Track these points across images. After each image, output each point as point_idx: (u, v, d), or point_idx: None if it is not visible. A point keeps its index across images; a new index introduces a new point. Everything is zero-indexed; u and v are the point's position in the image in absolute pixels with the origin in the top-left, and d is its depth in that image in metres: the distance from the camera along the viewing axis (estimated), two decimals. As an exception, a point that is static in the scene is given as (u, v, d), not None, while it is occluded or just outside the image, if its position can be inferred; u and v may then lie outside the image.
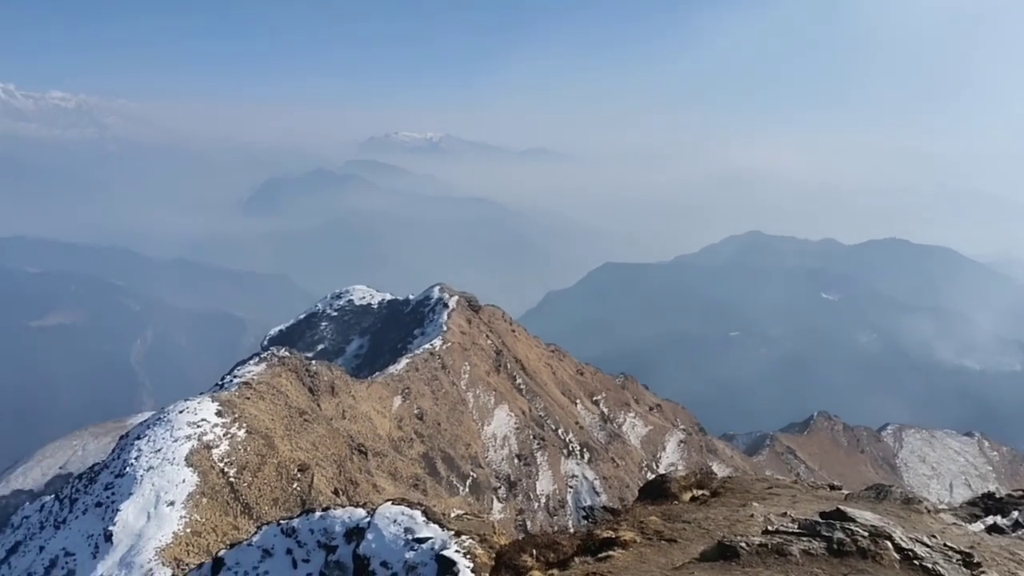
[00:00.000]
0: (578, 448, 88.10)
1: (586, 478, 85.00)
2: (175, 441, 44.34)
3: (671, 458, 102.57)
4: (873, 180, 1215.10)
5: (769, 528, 10.49)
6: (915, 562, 9.37)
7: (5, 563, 46.19)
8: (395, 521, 26.74)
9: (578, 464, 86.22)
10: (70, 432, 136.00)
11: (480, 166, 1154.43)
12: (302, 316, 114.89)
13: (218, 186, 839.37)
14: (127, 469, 42.98)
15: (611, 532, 11.00)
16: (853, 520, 10.08)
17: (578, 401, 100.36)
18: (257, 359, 62.56)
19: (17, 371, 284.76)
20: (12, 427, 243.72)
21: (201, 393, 53.91)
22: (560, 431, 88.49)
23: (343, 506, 32.08)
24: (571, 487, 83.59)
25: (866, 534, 9.76)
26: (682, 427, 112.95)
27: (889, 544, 9.60)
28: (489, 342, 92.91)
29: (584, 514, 14.45)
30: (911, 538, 9.81)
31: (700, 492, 13.69)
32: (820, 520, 10.25)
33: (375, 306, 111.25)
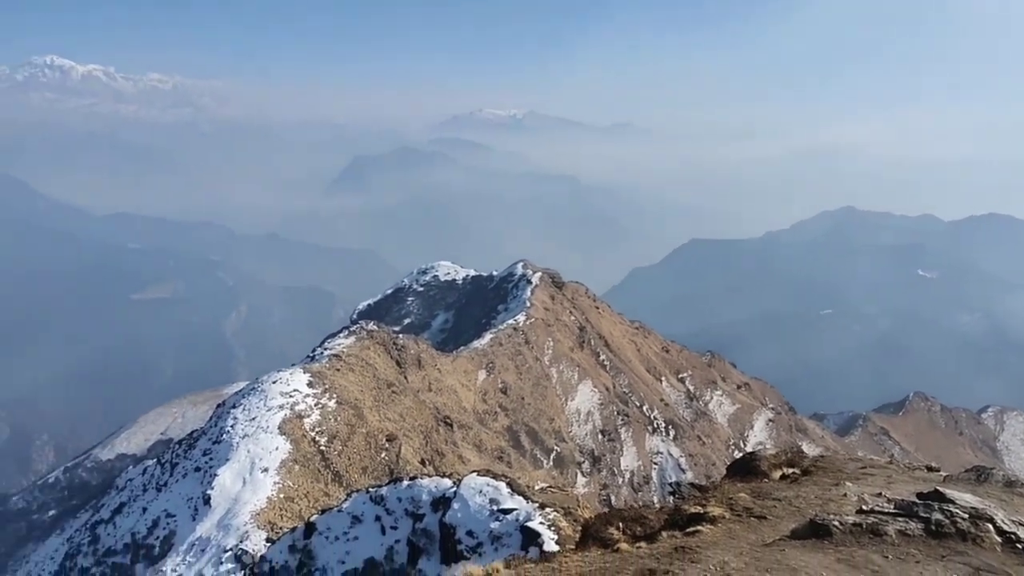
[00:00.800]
0: (663, 425, 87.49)
1: (671, 455, 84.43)
2: (269, 410, 45.72)
3: (759, 437, 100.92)
4: (975, 154, 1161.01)
5: (863, 508, 10.23)
6: (1018, 545, 9.03)
7: (111, 523, 48.53)
8: (480, 492, 27.15)
9: (663, 441, 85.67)
10: (170, 400, 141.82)
11: (564, 142, 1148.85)
12: (389, 291, 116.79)
13: (308, 164, 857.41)
14: (224, 436, 44.56)
15: (699, 508, 10.90)
16: (952, 502, 9.74)
17: (663, 378, 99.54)
18: (346, 332, 63.95)
19: (120, 341, 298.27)
20: (116, 394, 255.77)
21: (293, 364, 55.43)
22: (644, 408, 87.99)
23: (429, 476, 32.72)
24: (656, 464, 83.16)
25: (966, 516, 9.43)
26: (771, 406, 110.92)
27: (990, 527, 9.27)
28: (572, 318, 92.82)
29: (671, 490, 14.34)
30: (1014, 521, 9.45)
31: (791, 470, 13.43)
32: (917, 501, 9.94)
33: (460, 282, 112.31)
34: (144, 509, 45.98)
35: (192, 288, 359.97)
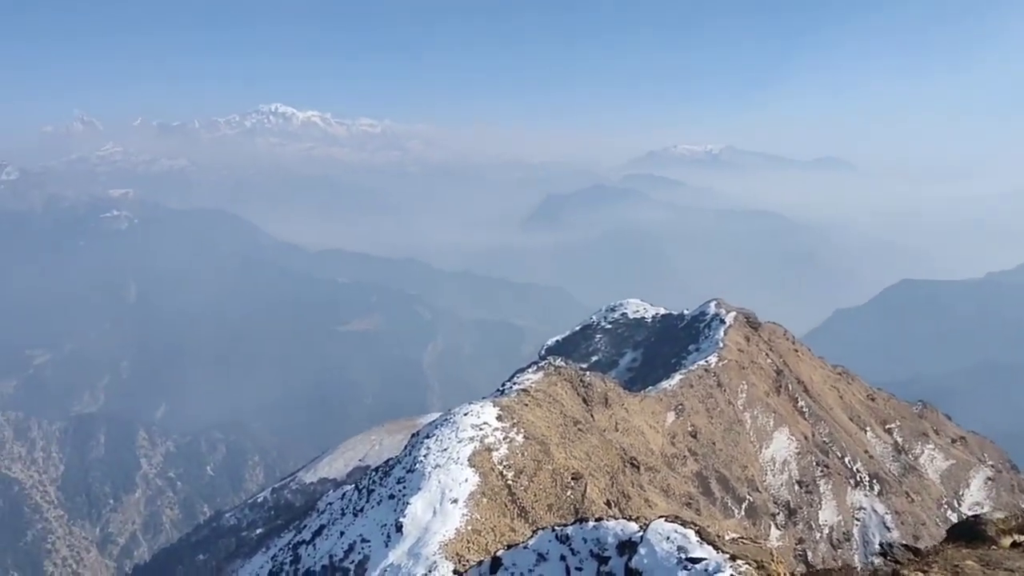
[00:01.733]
0: (867, 478, 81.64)
1: (875, 511, 78.52)
2: (459, 442, 46.55)
3: (976, 496, 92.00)
4: None
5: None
6: None
7: (311, 544, 50.99)
8: (668, 538, 26.15)
9: (866, 496, 79.89)
10: (369, 427, 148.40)
11: (763, 178, 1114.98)
12: (577, 328, 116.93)
13: (503, 203, 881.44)
14: (417, 465, 45.74)
15: (920, 574, 9.84)
16: None
17: (868, 428, 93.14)
18: (535, 367, 64.38)
19: (325, 370, 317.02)
20: (321, 420, 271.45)
21: (483, 397, 56.30)
22: (847, 459, 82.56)
23: (615, 518, 31.99)
24: (858, 520, 77.58)
25: None
26: (990, 463, 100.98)
27: None
28: (769, 361, 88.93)
29: (881, 551, 13.09)
30: None
31: (1022, 538, 11.94)
32: None
33: (649, 320, 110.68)
34: (342, 533, 47.92)
35: (393, 321, 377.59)
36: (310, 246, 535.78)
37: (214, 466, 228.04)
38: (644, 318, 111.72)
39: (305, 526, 57.58)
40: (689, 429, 71.78)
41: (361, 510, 48.52)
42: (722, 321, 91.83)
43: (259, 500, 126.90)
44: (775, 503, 73.05)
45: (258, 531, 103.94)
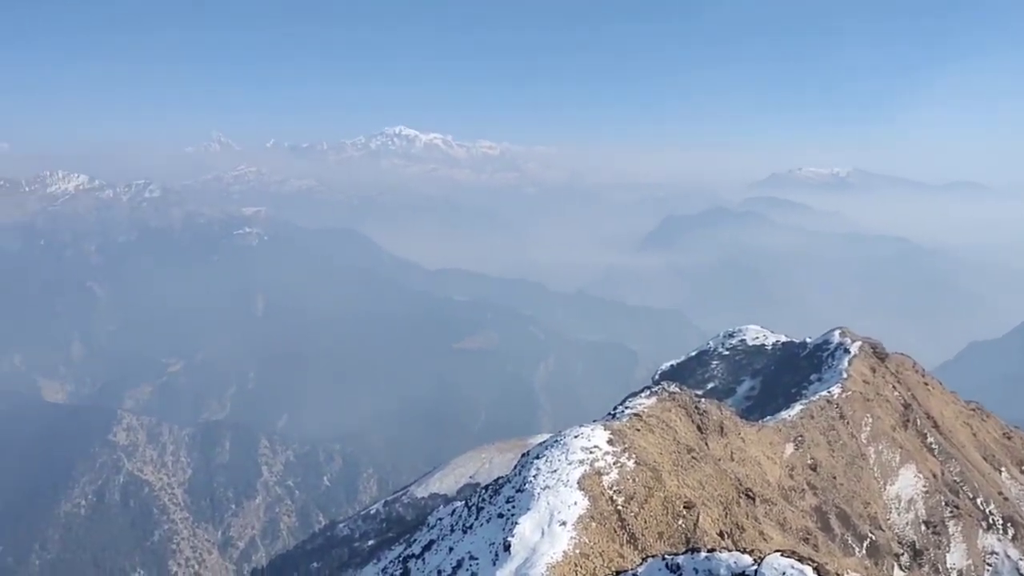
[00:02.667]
0: (1000, 521, 76.50)
1: (1009, 557, 73.38)
2: (569, 464, 46.12)
3: None
4: None
5: None
6: None
7: (420, 558, 51.53)
8: (784, 573, 25.15)
9: (999, 540, 74.80)
10: (480, 445, 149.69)
11: (893, 201, 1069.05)
12: (693, 353, 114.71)
13: (619, 224, 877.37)
14: (526, 485, 45.54)
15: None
16: None
17: (1003, 469, 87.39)
18: (648, 392, 63.32)
19: (440, 386, 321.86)
20: (433, 435, 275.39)
21: (594, 420, 55.73)
22: (979, 500, 77.63)
23: (729, 549, 30.96)
24: (990, 565, 72.70)
25: None
26: None
27: None
28: (896, 394, 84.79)
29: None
30: None
31: None
32: None
33: (769, 347, 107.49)
34: (450, 549, 48.16)
35: (506, 340, 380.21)
36: (428, 264, 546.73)
37: (330, 476, 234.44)
38: (764, 345, 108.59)
39: (415, 540, 58.24)
40: (809, 462, 69.06)
41: (470, 527, 48.65)
42: (847, 351, 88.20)
43: (372, 512, 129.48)
44: (899, 543, 69.28)
45: (370, 542, 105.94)
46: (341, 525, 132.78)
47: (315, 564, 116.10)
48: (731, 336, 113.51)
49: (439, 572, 46.11)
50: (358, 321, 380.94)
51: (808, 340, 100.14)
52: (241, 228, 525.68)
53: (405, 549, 58.31)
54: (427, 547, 52.76)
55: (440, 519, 57.58)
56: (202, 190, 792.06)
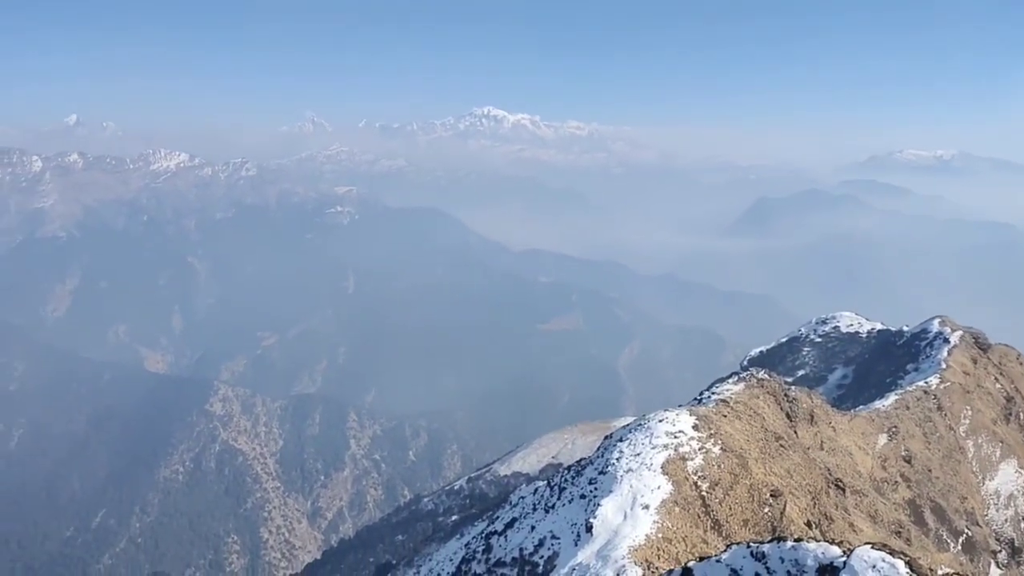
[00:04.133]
0: (1111, 525, 72.81)
1: (1120, 563, 69.83)
2: (653, 448, 45.88)
3: None
4: None
5: None
6: None
7: (503, 535, 51.99)
8: (874, 566, 24.51)
9: (1110, 544, 71.22)
10: (563, 426, 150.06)
11: (1002, 186, 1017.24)
12: (783, 339, 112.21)
13: (709, 206, 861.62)
14: (609, 468, 45.53)
15: None
16: None
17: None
18: (736, 378, 62.34)
19: (524, 366, 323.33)
20: (517, 414, 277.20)
21: (679, 405, 55.25)
22: (1087, 501, 74.00)
23: (816, 540, 30.32)
24: (1097, 570, 69.34)
25: None
26: None
27: None
28: (998, 386, 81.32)
29: None
30: None
31: None
32: None
33: (863, 335, 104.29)
34: (532, 527, 48.56)
35: (591, 322, 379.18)
36: (515, 245, 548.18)
37: (416, 451, 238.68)
38: (858, 333, 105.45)
39: (498, 517, 58.79)
40: (903, 453, 66.96)
41: (552, 507, 48.96)
42: (946, 340, 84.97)
43: (456, 488, 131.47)
44: (997, 540, 66.72)
45: (453, 518, 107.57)
46: (426, 500, 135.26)
47: (400, 537, 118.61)
48: (824, 323, 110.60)
49: (521, 550, 46.54)
50: (444, 300, 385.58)
51: (905, 329, 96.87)
52: (333, 207, 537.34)
53: (488, 526, 58.95)
54: (509, 525, 53.20)
55: (522, 497, 57.96)
56: (296, 169, 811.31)
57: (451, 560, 69.16)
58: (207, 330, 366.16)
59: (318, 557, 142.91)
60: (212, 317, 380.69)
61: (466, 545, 63.58)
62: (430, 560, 78.47)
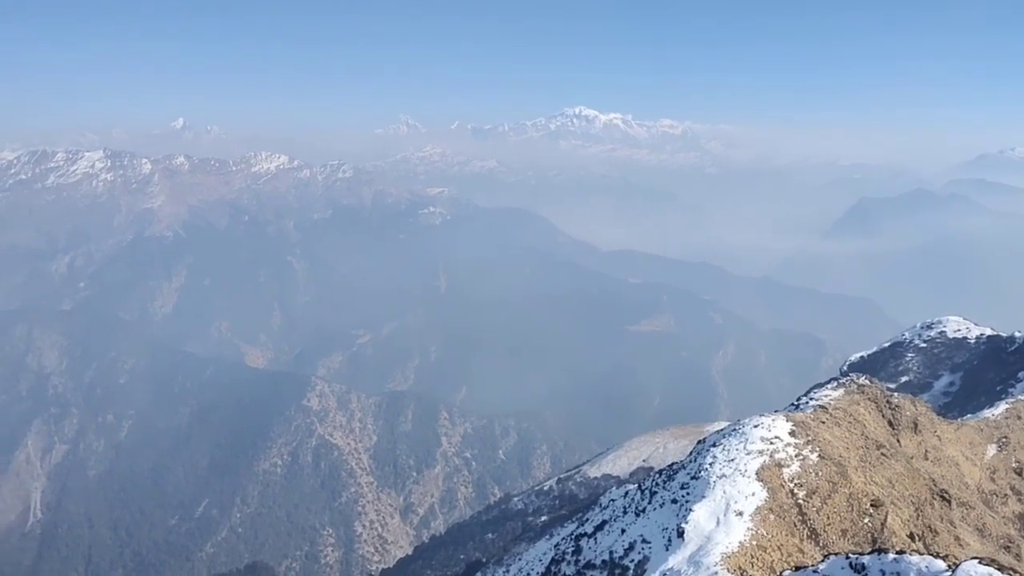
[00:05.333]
0: None
1: None
2: (748, 454, 45.08)
3: None
4: None
5: None
6: None
7: (592, 537, 51.90)
8: (982, 584, 23.47)
9: None
10: (654, 429, 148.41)
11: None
12: (886, 344, 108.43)
13: (808, 207, 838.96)
14: (702, 473, 44.94)
15: None
16: None
17: None
18: (835, 383, 60.59)
19: (614, 368, 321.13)
20: (607, 416, 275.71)
21: (776, 411, 54.03)
22: None
23: (919, 552, 29.25)
24: None
25: None
26: None
27: None
28: (1121, 397, 76.61)
29: None
30: None
31: None
32: None
33: (971, 341, 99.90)
34: (623, 531, 48.29)
35: (683, 324, 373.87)
36: (605, 245, 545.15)
37: (506, 451, 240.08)
38: (966, 338, 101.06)
39: (587, 519, 58.69)
40: (1014, 465, 63.85)
41: (643, 511, 48.57)
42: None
43: (545, 488, 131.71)
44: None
45: (543, 518, 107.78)
46: (516, 499, 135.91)
47: (490, 535, 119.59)
48: (929, 327, 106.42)
49: (611, 553, 46.37)
50: (535, 300, 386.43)
51: (1017, 335, 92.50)
52: (425, 207, 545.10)
53: (578, 527, 58.91)
54: (599, 527, 53.05)
55: (613, 500, 57.71)
56: (390, 171, 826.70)
57: (540, 560, 69.36)
58: (305, 327, 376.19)
59: (409, 552, 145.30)
60: (309, 314, 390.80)
61: (556, 546, 63.65)
62: (519, 559, 78.81)
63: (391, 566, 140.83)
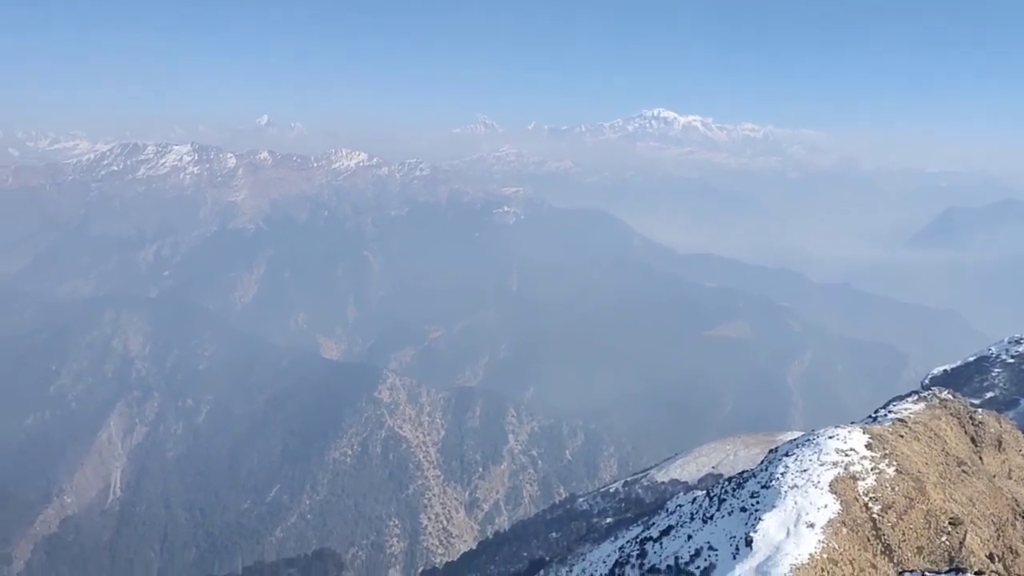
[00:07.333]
0: None
1: None
2: (821, 465, 44.12)
3: None
4: None
5: None
6: None
7: (658, 542, 51.36)
8: (1068, 612, 22.46)
9: None
10: (724, 436, 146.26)
11: None
12: (971, 358, 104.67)
13: (892, 215, 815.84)
14: (773, 482, 44.10)
15: None
16: None
17: None
18: (915, 397, 58.68)
19: (685, 373, 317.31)
20: (676, 421, 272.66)
21: (852, 422, 52.69)
22: None
23: (998, 573, 28.19)
24: None
25: None
26: None
27: None
28: None
29: None
30: None
31: None
32: None
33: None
34: (689, 537, 47.69)
35: (759, 331, 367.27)
36: (680, 249, 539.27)
37: (572, 451, 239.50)
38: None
39: (653, 523, 58.17)
40: (1106, 491, 60.80)
41: (711, 518, 47.90)
42: None
43: (611, 490, 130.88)
44: None
45: (608, 520, 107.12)
46: (581, 500, 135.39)
47: (554, 534, 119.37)
48: (1017, 342, 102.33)
49: (676, 558, 45.86)
50: (606, 301, 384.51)
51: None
52: (500, 207, 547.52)
53: (643, 531, 58.43)
54: (665, 532, 52.49)
55: (680, 505, 57.09)
56: (467, 170, 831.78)
57: (604, 562, 68.97)
58: (378, 321, 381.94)
59: (474, 547, 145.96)
60: (384, 309, 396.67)
61: (620, 548, 63.22)
62: (583, 560, 78.50)
63: (455, 559, 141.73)
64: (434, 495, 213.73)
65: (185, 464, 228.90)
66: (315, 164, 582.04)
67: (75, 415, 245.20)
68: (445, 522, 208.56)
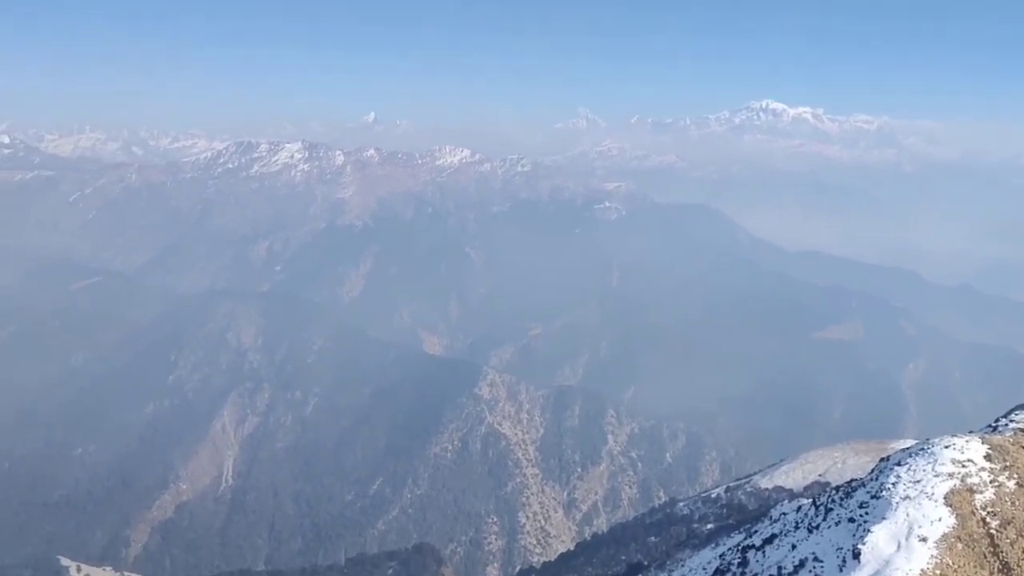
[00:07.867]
0: None
1: None
2: (936, 476, 42.01)
3: None
4: None
5: None
6: None
7: (760, 550, 49.88)
8: None
9: None
10: (832, 443, 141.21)
11: None
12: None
13: (1017, 210, 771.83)
14: (883, 493, 42.42)
15: None
16: None
17: None
18: (1041, 405, 55.15)
19: (793, 375, 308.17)
20: (783, 425, 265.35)
21: (970, 431, 49.87)
22: None
23: None
24: None
25: None
26: None
27: None
28: None
29: None
30: None
31: None
32: None
33: None
34: (793, 546, 46.25)
35: (871, 333, 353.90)
36: (788, 245, 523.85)
37: (673, 454, 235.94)
38: None
39: (756, 531, 56.63)
40: None
41: (816, 527, 46.45)
42: None
43: (712, 495, 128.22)
44: None
45: (708, 526, 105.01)
46: (681, 504, 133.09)
47: (653, 538, 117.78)
48: None
49: (779, 568, 44.48)
50: (709, 300, 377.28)
51: None
52: (601, 202, 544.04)
53: (745, 539, 56.87)
54: (768, 540, 51.00)
55: (784, 514, 55.39)
56: (568, 165, 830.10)
57: (704, 569, 67.55)
58: (480, 317, 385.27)
59: (571, 548, 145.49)
60: (485, 305, 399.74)
61: (721, 556, 61.88)
62: (682, 566, 77.10)
63: (552, 560, 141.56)
64: (532, 494, 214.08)
65: (293, 455, 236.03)
66: (419, 161, 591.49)
67: (191, 404, 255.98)
68: (543, 521, 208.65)
